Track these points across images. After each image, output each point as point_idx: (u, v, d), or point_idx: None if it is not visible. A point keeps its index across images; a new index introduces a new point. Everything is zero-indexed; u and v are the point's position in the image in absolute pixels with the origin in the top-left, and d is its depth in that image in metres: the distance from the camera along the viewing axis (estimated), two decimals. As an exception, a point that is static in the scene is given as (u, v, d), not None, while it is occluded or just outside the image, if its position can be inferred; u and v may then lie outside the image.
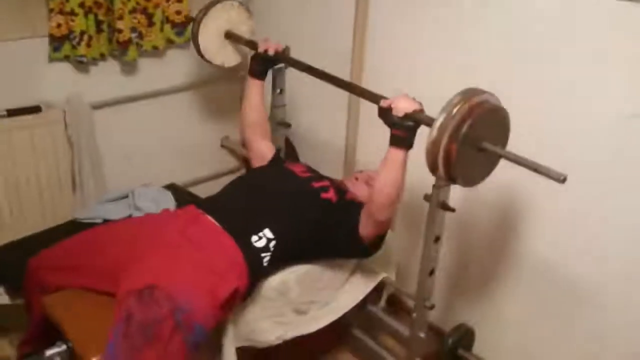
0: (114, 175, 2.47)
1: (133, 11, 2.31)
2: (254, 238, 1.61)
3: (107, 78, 2.40)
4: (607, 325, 1.72)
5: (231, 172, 2.95)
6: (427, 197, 1.58)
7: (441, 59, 1.97)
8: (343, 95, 2.29)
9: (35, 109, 2.18)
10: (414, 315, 1.75)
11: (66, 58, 2.24)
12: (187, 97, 2.69)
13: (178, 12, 2.47)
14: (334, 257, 1.81)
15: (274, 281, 1.71)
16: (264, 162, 1.99)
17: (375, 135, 2.25)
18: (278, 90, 2.15)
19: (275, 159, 2.00)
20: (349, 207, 1.77)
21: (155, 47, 2.44)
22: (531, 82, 1.74)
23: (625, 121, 1.55)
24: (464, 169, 1.38)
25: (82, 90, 2.30)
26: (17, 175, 2.18)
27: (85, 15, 2.19)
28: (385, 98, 1.57)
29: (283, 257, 1.68)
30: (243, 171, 2.95)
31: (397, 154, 1.52)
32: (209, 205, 1.73)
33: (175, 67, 2.57)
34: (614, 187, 1.62)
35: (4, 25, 2.08)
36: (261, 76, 2.03)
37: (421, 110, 1.51)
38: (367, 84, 2.24)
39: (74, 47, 2.21)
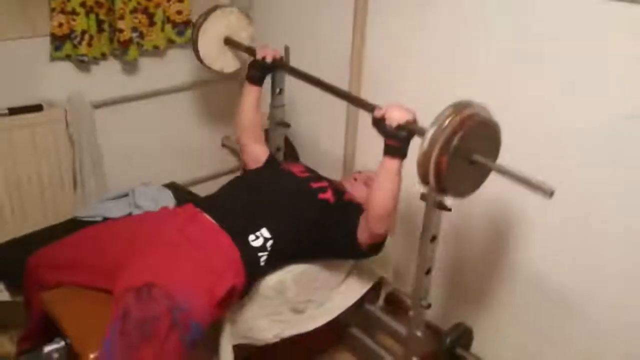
0: (114, 174, 2.49)
1: (134, 11, 2.33)
2: (251, 237, 1.62)
3: (108, 77, 2.41)
4: (598, 334, 1.74)
5: (231, 171, 2.96)
6: (423, 197, 1.58)
7: (440, 58, 1.98)
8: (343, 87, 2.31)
9: (36, 108, 2.20)
10: (411, 314, 1.75)
11: (67, 57, 2.26)
12: (187, 97, 2.71)
13: (179, 12, 2.48)
14: (331, 258, 1.82)
15: (272, 280, 1.72)
16: (259, 165, 2.00)
17: (374, 135, 2.28)
18: (277, 90, 2.15)
19: (270, 161, 2.01)
20: (347, 209, 1.77)
21: (156, 47, 2.45)
22: (531, 83, 1.74)
23: (621, 126, 1.55)
24: (455, 181, 1.39)
25: (83, 89, 2.31)
26: (18, 174, 2.20)
27: (87, 14, 2.21)
28: (379, 107, 1.57)
29: (280, 257, 1.69)
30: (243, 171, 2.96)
31: (392, 163, 1.53)
32: (207, 204, 1.74)
33: (176, 66, 2.59)
34: (611, 190, 1.63)
35: (6, 24, 2.10)
36: (258, 82, 2.04)
37: (414, 121, 1.51)
38: (367, 85, 2.26)
39: (75, 47, 2.22)
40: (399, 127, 1.49)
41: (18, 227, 2.19)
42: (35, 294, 1.64)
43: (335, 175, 2.35)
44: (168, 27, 2.48)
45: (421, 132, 1.41)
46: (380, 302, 2.09)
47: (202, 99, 2.75)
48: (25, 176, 2.22)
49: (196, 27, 2.18)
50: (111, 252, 1.59)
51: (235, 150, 2.94)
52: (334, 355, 2.15)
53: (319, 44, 2.40)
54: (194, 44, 2.20)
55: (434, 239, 1.66)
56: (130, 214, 2.19)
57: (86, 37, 2.22)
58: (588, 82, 1.61)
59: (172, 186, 2.48)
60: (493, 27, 1.81)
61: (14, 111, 2.14)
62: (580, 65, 1.61)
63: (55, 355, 1.48)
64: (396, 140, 1.50)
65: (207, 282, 1.45)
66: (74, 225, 2.09)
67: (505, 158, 1.83)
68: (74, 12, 2.17)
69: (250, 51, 2.11)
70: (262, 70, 2.02)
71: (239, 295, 1.58)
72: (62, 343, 1.48)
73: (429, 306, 1.75)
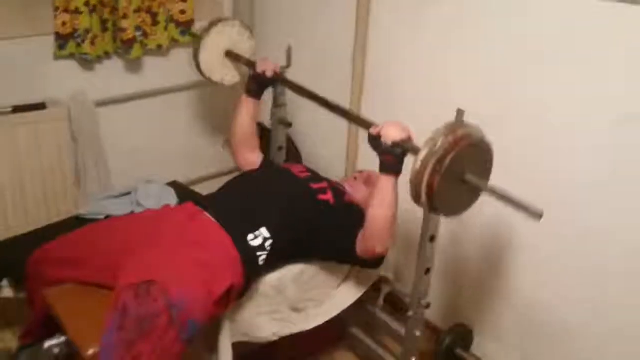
0: (117, 172, 2.50)
1: (138, 10, 2.34)
2: (250, 237, 1.63)
3: (112, 76, 2.43)
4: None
5: (234, 171, 2.96)
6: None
7: (441, 58, 1.98)
8: (345, 95, 2.31)
9: (40, 106, 2.21)
10: (410, 313, 1.77)
11: (71, 56, 2.28)
12: (191, 96, 2.72)
13: (182, 12, 2.50)
14: (330, 260, 1.82)
15: (272, 279, 1.73)
16: (254, 168, 2.01)
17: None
18: (279, 90, 2.16)
19: (267, 164, 2.03)
20: (348, 213, 1.79)
21: (159, 46, 2.47)
22: (531, 85, 1.74)
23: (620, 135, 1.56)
24: (446, 201, 1.41)
25: (87, 88, 2.33)
26: (21, 172, 2.21)
27: (90, 13, 2.22)
28: (375, 125, 1.59)
29: (279, 257, 1.70)
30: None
31: (387, 180, 1.55)
32: (208, 202, 1.75)
33: (179, 66, 2.60)
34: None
35: (10, 23, 2.12)
36: (256, 96, 2.04)
37: (409, 139, 1.53)
38: (368, 88, 2.27)
39: (78, 45, 2.24)
40: (394, 144, 1.52)
41: (21, 224, 2.21)
42: (37, 291, 1.65)
43: (338, 173, 2.36)
44: (172, 26, 2.49)
45: (415, 151, 1.44)
46: (380, 301, 2.09)
47: (205, 99, 2.76)
48: (28, 174, 2.23)
49: (198, 39, 2.20)
50: (112, 250, 1.60)
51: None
52: (333, 355, 2.16)
53: (321, 43, 2.41)
54: (195, 55, 2.23)
55: (432, 238, 1.67)
56: (132, 212, 2.20)
57: (90, 36, 2.24)
58: (588, 83, 1.61)
59: (174, 185, 2.49)
60: (493, 30, 1.81)
61: (17, 109, 2.16)
62: (580, 66, 1.61)
63: (56, 351, 1.49)
64: (391, 157, 1.53)
65: (205, 281, 1.46)
66: (77, 223, 2.11)
67: (505, 158, 1.85)
68: (77, 11, 2.19)
69: (251, 64, 2.12)
70: (261, 84, 2.04)
71: (238, 294, 1.59)
72: (63, 339, 1.49)
73: (428, 306, 1.76)
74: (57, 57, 2.26)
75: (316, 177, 1.89)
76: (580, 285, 1.75)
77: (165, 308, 1.35)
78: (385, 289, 2.08)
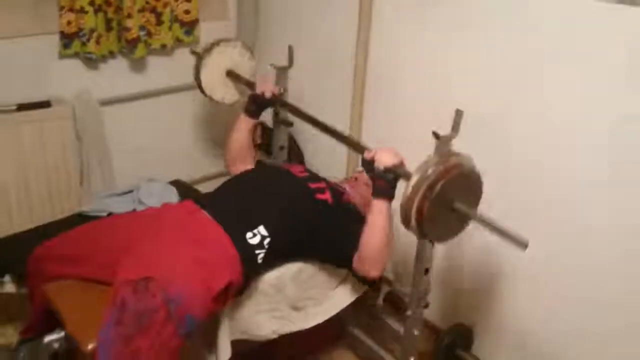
0: (121, 170, 2.52)
1: (142, 10, 2.36)
2: (249, 235, 1.63)
3: (116, 75, 2.45)
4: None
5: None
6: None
7: (443, 60, 1.99)
8: (346, 94, 2.32)
9: (44, 104, 2.23)
10: (409, 313, 1.77)
11: (76, 55, 2.30)
12: (194, 95, 2.72)
13: (187, 12, 2.52)
14: (329, 261, 1.82)
15: (271, 277, 1.73)
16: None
17: (378, 133, 2.30)
18: (281, 89, 2.17)
19: (259, 163, 2.06)
20: (346, 213, 1.81)
21: (163, 46, 2.48)
22: (531, 85, 1.74)
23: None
24: (435, 227, 1.46)
25: (91, 87, 2.35)
26: (25, 169, 2.23)
27: (95, 13, 2.25)
28: (369, 150, 1.64)
29: (277, 255, 1.70)
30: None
31: (380, 204, 1.59)
32: (207, 201, 1.76)
33: (183, 65, 2.60)
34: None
35: (16, 22, 2.14)
36: (254, 116, 2.08)
37: (401, 164, 1.58)
38: (370, 86, 2.27)
39: (83, 44, 2.26)
40: (387, 169, 1.55)
41: (25, 221, 2.23)
42: (38, 287, 1.66)
43: (339, 172, 2.37)
44: (176, 26, 2.51)
45: (407, 177, 1.49)
46: (380, 301, 2.09)
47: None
48: (32, 171, 2.25)
49: (200, 58, 2.24)
50: (113, 247, 1.60)
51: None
52: (333, 354, 2.16)
53: (323, 42, 2.42)
54: (196, 74, 2.27)
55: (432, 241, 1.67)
56: (134, 210, 2.21)
57: (94, 35, 2.26)
58: (588, 83, 1.60)
59: (177, 183, 2.50)
60: (496, 27, 1.81)
61: (22, 107, 2.18)
62: (580, 66, 1.61)
63: (55, 345, 1.50)
64: (383, 182, 1.58)
65: (204, 277, 1.47)
66: (80, 220, 2.11)
67: (505, 156, 1.85)
68: (82, 11, 2.21)
69: (251, 85, 2.15)
70: (260, 104, 2.07)
71: (237, 291, 1.60)
72: (62, 333, 1.50)
73: (427, 305, 1.77)
74: (62, 56, 2.28)
75: (314, 177, 1.90)
76: (580, 285, 1.74)
77: (163, 303, 1.36)
78: (385, 289, 2.07)
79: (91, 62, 2.35)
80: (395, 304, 2.12)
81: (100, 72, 2.40)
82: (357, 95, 2.29)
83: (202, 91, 2.30)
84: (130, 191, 2.35)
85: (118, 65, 2.44)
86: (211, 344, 1.65)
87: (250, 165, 2.07)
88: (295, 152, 2.58)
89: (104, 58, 2.38)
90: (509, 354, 2.01)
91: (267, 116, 2.30)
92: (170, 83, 2.61)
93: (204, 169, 2.88)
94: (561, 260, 1.77)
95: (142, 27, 2.38)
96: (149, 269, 1.43)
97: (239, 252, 1.58)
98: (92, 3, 2.22)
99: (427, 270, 1.71)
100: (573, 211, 1.71)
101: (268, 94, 2.03)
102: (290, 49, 2.13)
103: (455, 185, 1.41)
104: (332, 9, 2.36)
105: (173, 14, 2.48)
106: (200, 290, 1.44)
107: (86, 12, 2.21)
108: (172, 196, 2.33)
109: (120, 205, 2.23)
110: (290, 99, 2.19)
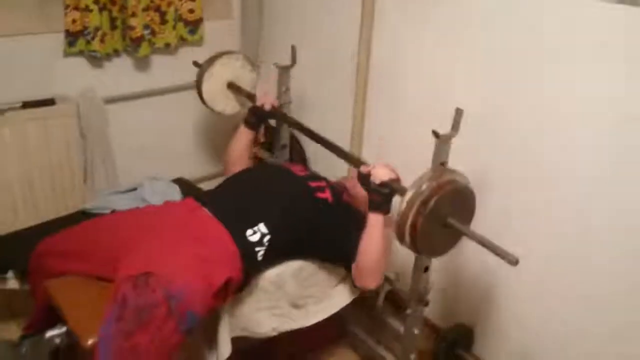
0: (124, 168, 2.54)
1: (146, 9, 2.38)
2: (249, 232, 1.64)
3: (120, 73, 2.47)
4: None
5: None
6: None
7: (445, 59, 1.99)
8: (349, 92, 2.33)
9: (49, 102, 2.25)
10: (409, 311, 1.77)
11: (81, 53, 2.31)
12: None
13: (191, 11, 2.53)
14: (329, 261, 1.83)
15: (271, 274, 1.74)
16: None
17: (380, 131, 2.30)
18: (283, 89, 2.18)
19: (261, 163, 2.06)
20: (346, 212, 1.82)
21: (167, 45, 2.50)
22: (532, 84, 1.74)
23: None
24: (428, 242, 1.48)
25: (96, 85, 2.37)
26: (30, 166, 2.25)
27: (100, 11, 2.26)
28: (366, 164, 1.68)
29: (277, 252, 1.71)
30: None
31: (376, 218, 1.63)
32: (208, 198, 1.77)
33: (187, 64, 2.61)
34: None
35: (21, 20, 2.16)
36: (254, 128, 2.11)
37: (397, 179, 1.61)
38: (373, 85, 2.28)
39: (88, 43, 2.28)
40: (382, 184, 1.59)
41: (29, 218, 2.24)
42: (40, 281, 1.67)
43: (341, 171, 2.37)
44: (180, 25, 2.53)
45: (402, 192, 1.51)
46: (380, 300, 2.10)
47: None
48: (36, 169, 2.27)
49: (202, 70, 2.26)
50: (113, 243, 1.61)
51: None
52: (333, 352, 2.16)
53: (326, 41, 2.43)
54: (198, 86, 2.29)
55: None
56: (136, 207, 2.22)
57: (99, 33, 2.27)
58: (589, 82, 1.60)
59: (180, 181, 2.51)
60: (497, 27, 1.82)
61: (27, 105, 2.19)
62: (580, 65, 1.61)
63: (57, 340, 1.51)
64: (379, 196, 1.61)
65: (204, 274, 1.48)
66: (83, 217, 2.13)
67: (506, 156, 1.85)
68: (87, 9, 2.22)
69: (251, 97, 2.18)
70: (259, 117, 2.10)
71: (236, 288, 1.61)
72: (64, 329, 1.52)
73: (427, 304, 1.77)
74: (66, 54, 2.30)
75: (315, 176, 1.91)
76: (580, 285, 1.74)
77: (164, 299, 1.37)
78: (386, 287, 2.08)
79: (96, 60, 2.36)
80: (396, 303, 2.13)
81: (104, 70, 2.42)
82: (359, 94, 2.30)
83: (204, 102, 2.32)
84: (134, 189, 2.36)
85: (122, 64, 2.46)
86: (211, 340, 1.66)
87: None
88: (297, 151, 2.59)
89: (108, 56, 2.39)
90: (509, 354, 2.01)
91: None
92: (174, 82, 2.62)
93: (207, 168, 2.89)
94: (561, 260, 1.77)
95: (146, 26, 2.39)
96: (149, 264, 1.44)
97: (240, 249, 1.59)
98: (96, 2, 2.23)
99: (426, 268, 1.72)
100: (573, 211, 1.71)
101: (268, 107, 2.06)
102: (293, 48, 2.14)
103: (448, 201, 1.44)
104: (335, 8, 2.36)
105: (177, 13, 2.49)
106: (201, 287, 1.45)
107: (91, 11, 2.23)
108: (175, 194, 2.34)
109: (124, 203, 2.24)
110: (293, 97, 2.20)
